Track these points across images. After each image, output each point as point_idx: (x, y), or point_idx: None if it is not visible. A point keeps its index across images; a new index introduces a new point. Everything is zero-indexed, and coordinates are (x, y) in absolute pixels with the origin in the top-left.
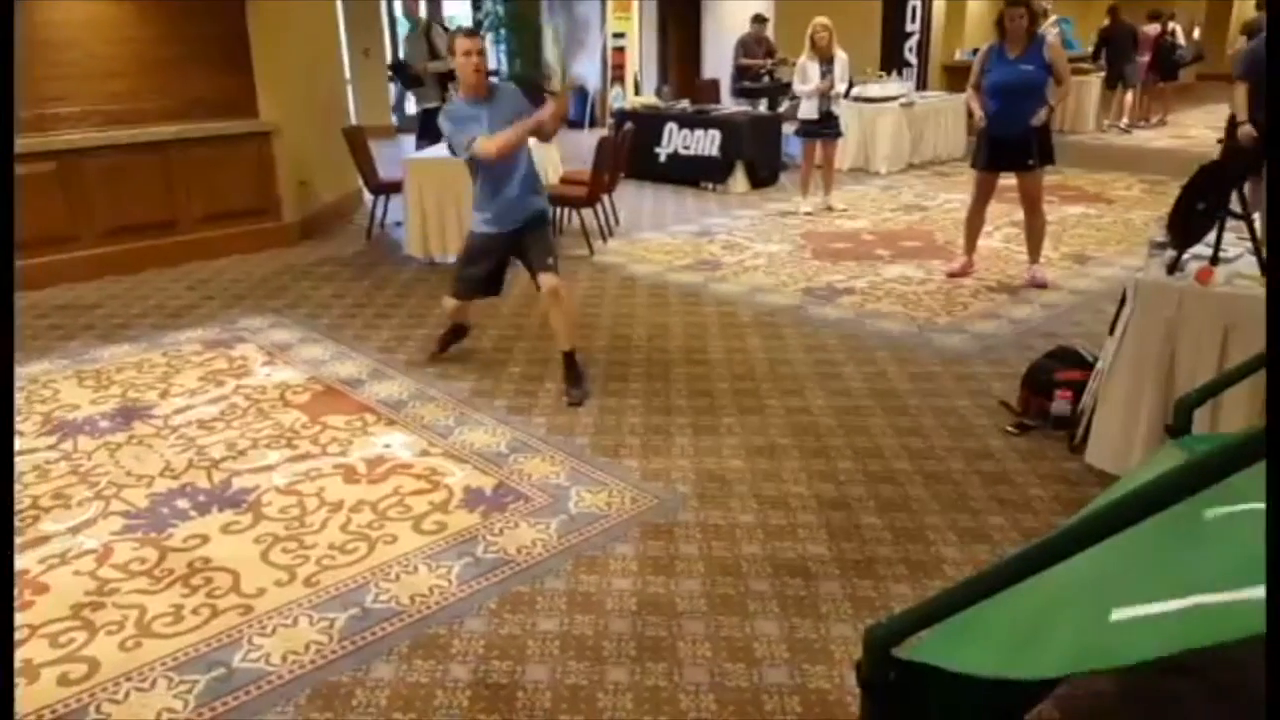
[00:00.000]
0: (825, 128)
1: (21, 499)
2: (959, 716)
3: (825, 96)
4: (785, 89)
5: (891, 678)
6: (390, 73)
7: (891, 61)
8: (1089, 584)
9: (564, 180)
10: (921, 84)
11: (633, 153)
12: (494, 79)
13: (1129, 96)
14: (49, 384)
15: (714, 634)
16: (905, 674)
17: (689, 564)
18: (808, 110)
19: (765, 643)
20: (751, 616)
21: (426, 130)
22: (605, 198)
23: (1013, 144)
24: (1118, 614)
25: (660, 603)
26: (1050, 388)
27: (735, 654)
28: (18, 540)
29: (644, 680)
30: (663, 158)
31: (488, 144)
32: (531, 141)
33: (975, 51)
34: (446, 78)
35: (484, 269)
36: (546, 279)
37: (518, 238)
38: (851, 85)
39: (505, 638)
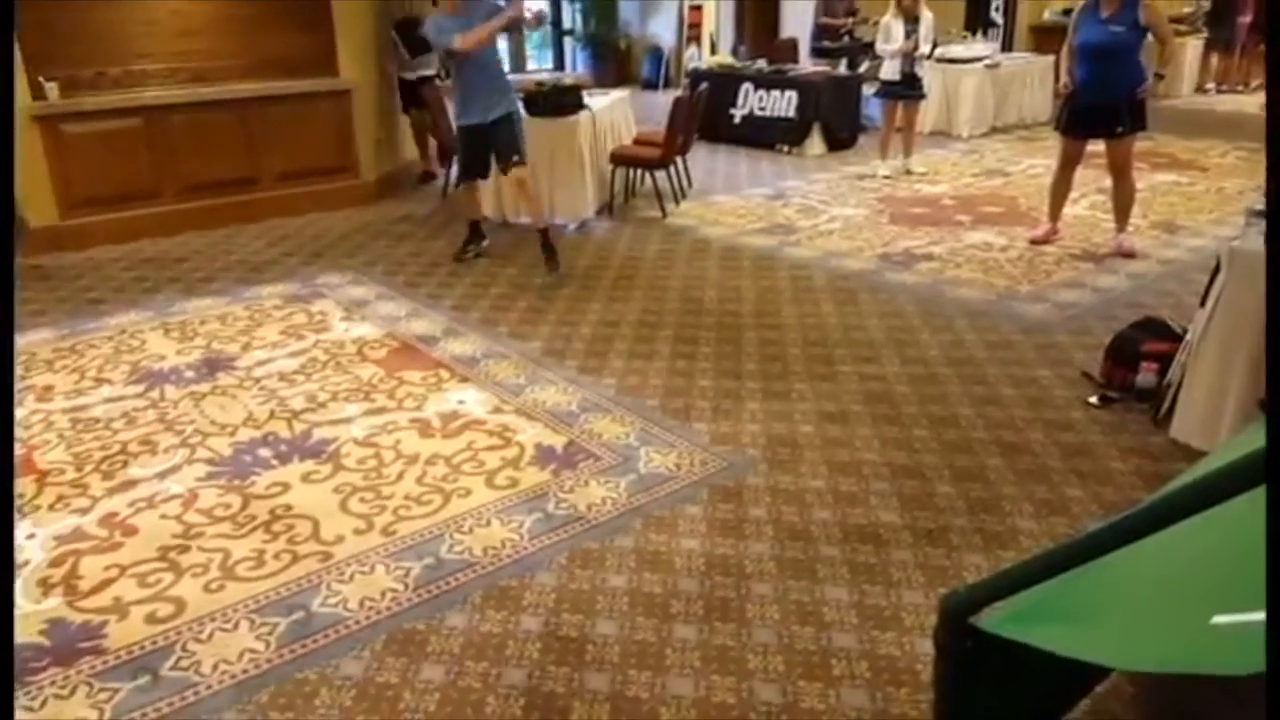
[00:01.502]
0: (908, 89)
1: (111, 445)
2: (1032, 688)
3: (909, 57)
4: (866, 49)
5: (968, 646)
6: (395, 35)
7: (977, 21)
8: (1185, 574)
9: (637, 141)
10: (1007, 45)
11: (707, 114)
12: None
13: (1214, 59)
14: (136, 334)
15: (782, 597)
16: (981, 643)
17: (758, 527)
18: (890, 71)
19: (835, 607)
20: (821, 581)
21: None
22: (679, 159)
23: (1102, 109)
24: (1220, 619)
25: (729, 564)
26: (1136, 359)
27: (804, 617)
28: (108, 484)
29: (712, 639)
30: (738, 119)
31: (463, 38)
32: (604, 102)
33: (1067, 12)
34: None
35: (472, 155)
36: (514, 171)
37: (492, 130)
38: (935, 46)
39: (575, 592)
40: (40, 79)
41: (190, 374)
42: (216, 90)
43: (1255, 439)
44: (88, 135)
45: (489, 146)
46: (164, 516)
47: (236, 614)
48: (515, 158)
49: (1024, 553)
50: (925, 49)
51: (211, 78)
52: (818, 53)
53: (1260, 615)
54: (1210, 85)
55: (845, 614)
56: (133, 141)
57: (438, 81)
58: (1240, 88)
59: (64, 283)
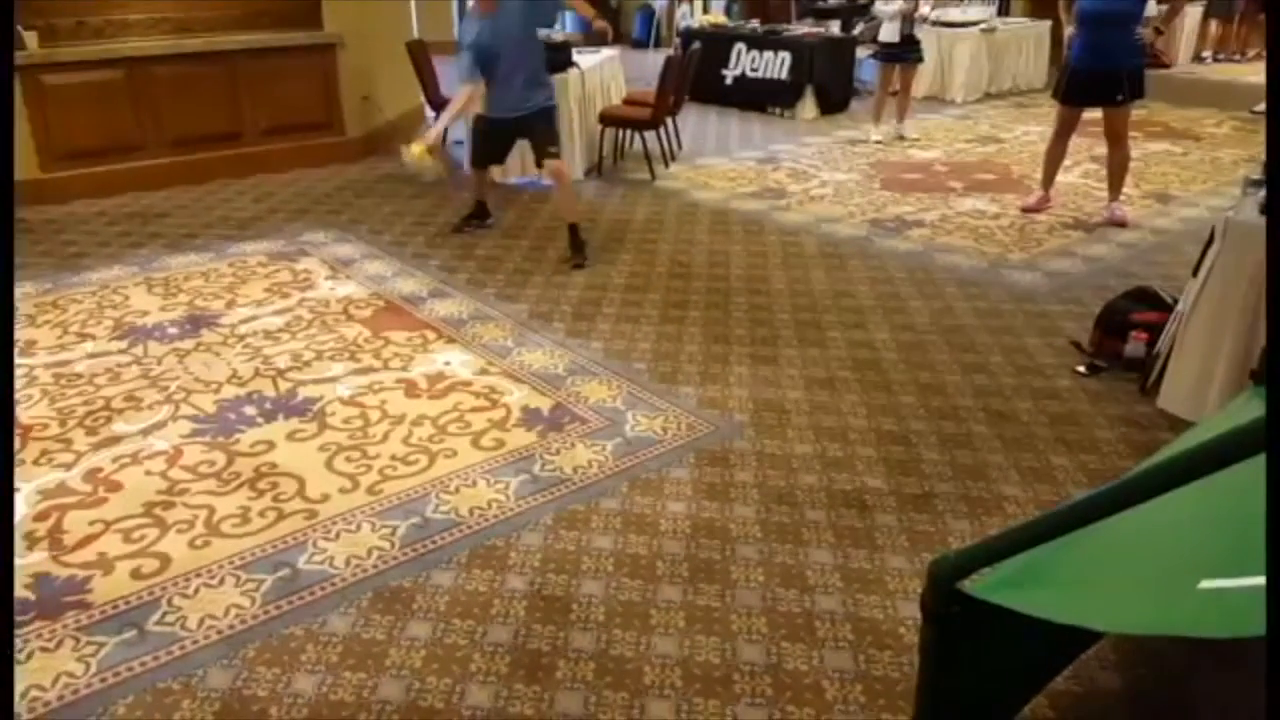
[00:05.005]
0: (906, 51)
1: (94, 400)
2: (1019, 653)
3: (908, 19)
4: (862, 10)
5: (956, 611)
6: None
7: None
8: (1172, 539)
9: (627, 101)
10: (1004, 9)
11: (698, 74)
12: None
13: (1212, 26)
14: (119, 290)
15: (767, 560)
16: (969, 609)
17: (744, 491)
18: (889, 32)
19: (819, 571)
20: (805, 545)
21: None
22: (669, 120)
23: (1103, 77)
24: (1206, 584)
25: (714, 527)
26: (1125, 329)
27: (788, 580)
28: (92, 440)
29: (696, 600)
30: (729, 80)
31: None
32: (594, 60)
33: None
34: None
35: (490, 147)
36: (549, 163)
37: (526, 123)
38: (932, 8)
39: (561, 553)
40: (18, 27)
41: (174, 330)
42: (200, 42)
43: (1244, 410)
44: (68, 87)
45: (512, 139)
46: (148, 473)
47: (222, 570)
48: (552, 149)
49: (1009, 519)
50: (925, 9)
51: (195, 29)
52: (806, 14)
53: (1245, 581)
54: (1207, 53)
55: (829, 577)
56: (115, 93)
57: None
58: (1237, 56)
59: (45, 236)
